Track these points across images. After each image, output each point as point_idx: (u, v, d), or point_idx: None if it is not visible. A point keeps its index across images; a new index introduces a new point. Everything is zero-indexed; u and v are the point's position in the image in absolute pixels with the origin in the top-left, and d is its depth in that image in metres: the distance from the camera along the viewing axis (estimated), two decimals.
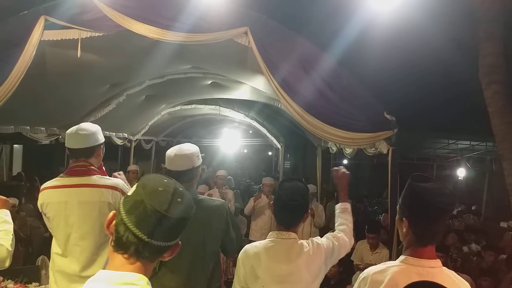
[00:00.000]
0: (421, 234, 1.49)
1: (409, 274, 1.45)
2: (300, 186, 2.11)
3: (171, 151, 2.39)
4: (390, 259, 3.92)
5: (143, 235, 1.03)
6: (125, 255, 1.06)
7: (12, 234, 2.34)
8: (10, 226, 2.38)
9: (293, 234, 2.06)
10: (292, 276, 2.01)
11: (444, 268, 1.52)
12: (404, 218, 1.53)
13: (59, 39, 3.68)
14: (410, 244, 1.52)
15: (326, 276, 5.00)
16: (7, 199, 2.49)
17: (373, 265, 4.94)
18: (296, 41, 3.46)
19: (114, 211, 1.10)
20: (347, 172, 2.40)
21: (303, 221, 2.12)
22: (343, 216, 2.32)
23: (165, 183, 1.10)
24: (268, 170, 15.72)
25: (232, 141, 14.82)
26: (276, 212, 2.11)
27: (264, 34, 3.43)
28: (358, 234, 6.08)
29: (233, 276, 2.20)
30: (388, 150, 3.59)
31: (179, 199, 1.08)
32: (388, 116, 3.39)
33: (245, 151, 20.73)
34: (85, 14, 3.47)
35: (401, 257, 1.53)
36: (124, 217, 1.05)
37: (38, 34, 3.53)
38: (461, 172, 11.07)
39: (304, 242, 2.09)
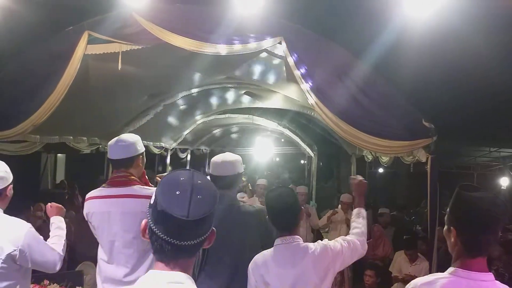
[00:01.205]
0: (470, 244, 1.44)
1: (459, 287, 1.41)
2: (285, 189, 2.23)
3: (217, 158, 2.55)
4: (430, 271, 3.79)
5: (174, 240, 1.08)
6: (165, 259, 1.12)
7: (64, 240, 2.47)
8: (63, 232, 2.51)
9: (296, 237, 2.11)
10: (300, 278, 2.04)
11: (498, 282, 1.45)
12: (452, 228, 1.49)
13: (101, 52, 3.85)
14: (459, 256, 1.48)
15: (364, 287, 4.92)
16: (62, 206, 2.63)
17: (413, 276, 4.83)
18: (330, 49, 3.46)
19: (145, 219, 1.15)
20: (365, 180, 2.45)
21: (300, 220, 2.19)
22: (357, 220, 2.34)
23: (181, 182, 1.11)
24: (301, 179, 15.61)
25: (265, 149, 14.85)
26: (274, 220, 2.16)
27: (298, 43, 3.45)
28: (396, 245, 5.95)
29: None
30: (427, 158, 3.50)
31: (199, 196, 1.09)
32: (426, 124, 3.31)
33: (277, 159, 20.70)
34: (125, 28, 3.61)
35: (450, 269, 1.48)
36: (153, 226, 1.10)
37: (82, 49, 3.70)
38: (504, 181, 10.58)
39: (309, 244, 2.13)
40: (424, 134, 3.33)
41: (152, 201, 1.12)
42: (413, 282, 1.52)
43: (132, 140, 2.55)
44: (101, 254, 2.52)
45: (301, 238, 2.13)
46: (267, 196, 2.22)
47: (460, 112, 3.64)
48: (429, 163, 3.50)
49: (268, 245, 2.50)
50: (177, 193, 1.09)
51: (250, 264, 2.15)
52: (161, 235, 1.08)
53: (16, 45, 3.98)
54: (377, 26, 3.03)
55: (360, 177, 2.48)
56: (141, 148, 2.60)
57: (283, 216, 2.13)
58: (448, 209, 1.53)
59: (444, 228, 1.55)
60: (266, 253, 2.14)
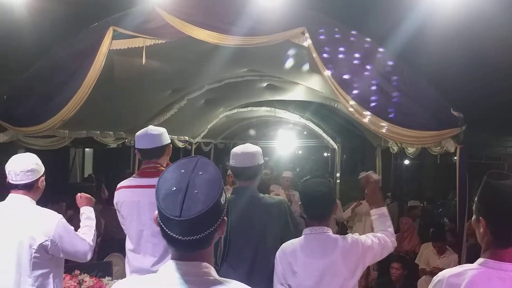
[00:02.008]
0: (500, 234, 1.40)
1: (490, 278, 1.36)
2: (322, 179, 2.19)
3: (237, 149, 2.55)
4: (459, 264, 3.71)
5: (177, 236, 1.05)
6: (178, 249, 1.11)
7: (94, 230, 2.54)
8: (93, 222, 2.58)
9: (326, 228, 2.09)
10: (329, 270, 2.02)
11: None
12: (481, 218, 1.45)
13: (126, 47, 3.90)
14: (489, 246, 1.43)
15: (390, 279, 4.86)
16: (91, 197, 2.70)
17: (441, 269, 4.73)
18: (354, 37, 3.39)
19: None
20: (376, 177, 2.36)
21: (333, 213, 2.15)
22: (381, 221, 2.28)
23: (180, 176, 1.07)
24: (324, 172, 15.51)
25: (287, 142, 14.80)
26: (305, 209, 2.15)
27: (321, 33, 3.40)
28: (423, 237, 5.84)
29: None
30: (456, 148, 3.40)
31: (195, 191, 1.05)
32: (455, 113, 3.21)
33: (300, 152, 20.61)
34: (149, 23, 3.65)
35: (480, 260, 1.44)
36: (159, 219, 1.09)
37: (107, 44, 3.76)
38: None
39: (339, 236, 2.10)
40: (452, 123, 3.23)
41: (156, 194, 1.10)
42: (441, 273, 1.49)
43: (162, 130, 2.64)
44: (129, 244, 2.57)
45: (330, 229, 2.10)
46: (302, 184, 2.22)
47: (490, 100, 3.52)
48: (458, 154, 3.41)
49: (288, 236, 2.50)
50: (173, 189, 1.06)
51: (278, 252, 2.14)
52: (164, 229, 1.07)
53: (44, 42, 4.09)
54: (402, 12, 2.95)
55: (372, 174, 2.37)
56: (169, 139, 2.69)
57: (315, 205, 2.11)
58: (476, 198, 1.49)
59: (473, 218, 1.51)
60: (295, 241, 2.13)
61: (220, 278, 1.11)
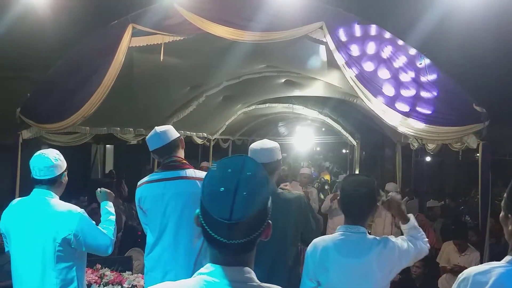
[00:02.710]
0: None
1: None
2: (364, 178, 2.11)
3: (255, 145, 2.53)
4: (482, 262, 3.63)
5: (221, 239, 1.01)
6: (219, 252, 1.06)
7: (114, 225, 2.58)
8: (113, 217, 2.62)
9: (362, 228, 2.04)
10: (362, 270, 1.98)
11: None
12: (510, 215, 1.41)
13: (145, 44, 3.94)
14: None
15: (411, 277, 4.79)
16: (111, 192, 2.75)
17: (462, 267, 4.63)
18: (373, 32, 3.35)
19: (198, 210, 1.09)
20: (398, 198, 2.29)
21: (372, 214, 2.09)
22: (413, 233, 2.20)
23: (228, 176, 1.02)
24: (343, 168, 15.38)
25: (305, 139, 14.75)
26: (343, 206, 2.10)
27: (340, 27, 3.36)
28: (444, 235, 5.73)
29: None
30: (478, 145, 3.33)
31: (244, 193, 1.00)
32: (477, 108, 3.13)
33: (318, 149, 20.50)
34: (167, 19, 3.68)
35: (507, 257, 1.39)
36: (202, 220, 1.04)
37: (126, 42, 3.81)
38: None
39: (376, 237, 2.05)
40: (475, 119, 3.16)
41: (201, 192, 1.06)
42: (466, 271, 1.45)
43: (168, 127, 2.70)
44: (151, 238, 2.60)
45: (366, 230, 2.06)
46: (344, 180, 2.17)
47: None
48: (481, 150, 3.33)
49: (309, 232, 2.48)
50: (221, 189, 1.00)
51: (309, 247, 2.11)
52: (208, 231, 1.02)
53: (66, 40, 4.17)
54: (424, 4, 2.88)
55: (393, 196, 2.30)
56: (177, 133, 2.71)
57: (356, 204, 2.05)
58: (505, 195, 1.44)
59: (501, 215, 1.46)
60: (328, 238, 2.09)
61: (263, 284, 1.07)
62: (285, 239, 2.38)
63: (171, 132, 2.65)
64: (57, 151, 2.52)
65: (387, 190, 6.08)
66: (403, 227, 2.25)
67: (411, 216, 2.26)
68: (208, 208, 1.00)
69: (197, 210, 1.07)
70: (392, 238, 2.10)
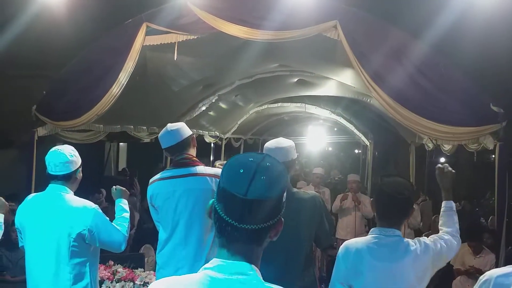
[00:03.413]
0: None
1: None
2: (403, 180, 2.06)
3: (270, 144, 2.49)
4: (497, 265, 3.57)
5: (233, 221, 1.02)
6: (228, 243, 1.06)
7: (128, 222, 2.60)
8: (127, 214, 2.65)
9: (397, 231, 1.98)
10: (397, 275, 1.93)
11: None
12: None
13: (159, 43, 3.96)
14: None
15: None
16: (126, 190, 2.78)
17: (477, 269, 4.53)
18: (387, 30, 3.30)
19: (212, 200, 1.12)
20: (452, 170, 2.25)
21: (408, 217, 2.05)
22: (449, 214, 2.18)
23: (248, 162, 1.05)
24: (355, 169, 15.28)
25: (317, 138, 14.68)
26: (379, 208, 2.04)
27: (354, 26, 3.33)
28: (461, 237, 5.64)
29: (326, 273, 2.18)
30: (495, 145, 3.26)
31: (262, 177, 1.02)
32: (495, 108, 3.07)
33: (330, 149, 20.39)
34: (181, 18, 3.69)
35: None
36: (216, 205, 1.06)
37: (140, 40, 3.83)
38: None
39: (410, 240, 2.00)
40: (492, 119, 3.10)
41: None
42: (488, 273, 1.42)
43: (180, 124, 2.68)
44: (163, 235, 2.61)
45: (401, 233, 2.01)
46: (382, 180, 2.12)
47: None
48: (497, 151, 3.27)
49: (323, 232, 2.46)
50: (240, 171, 1.04)
51: (340, 249, 2.06)
52: (221, 214, 1.04)
53: (80, 38, 4.21)
54: (438, 2, 2.82)
55: (448, 167, 2.27)
56: (189, 130, 2.71)
57: (393, 207, 1.99)
58: None
59: None
60: (361, 240, 2.04)
61: (268, 283, 1.07)
62: (298, 238, 2.35)
63: (183, 130, 2.64)
64: (72, 147, 2.55)
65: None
66: (443, 204, 2.22)
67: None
68: (225, 185, 1.03)
69: (210, 201, 1.10)
70: (426, 240, 2.04)
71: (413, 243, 1.98)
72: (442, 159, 9.63)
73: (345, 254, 2.02)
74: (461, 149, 5.43)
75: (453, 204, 2.23)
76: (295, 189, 2.53)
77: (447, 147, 5.58)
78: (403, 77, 3.20)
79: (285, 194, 1.09)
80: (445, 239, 2.07)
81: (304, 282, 2.37)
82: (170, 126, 2.65)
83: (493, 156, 3.39)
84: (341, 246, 2.07)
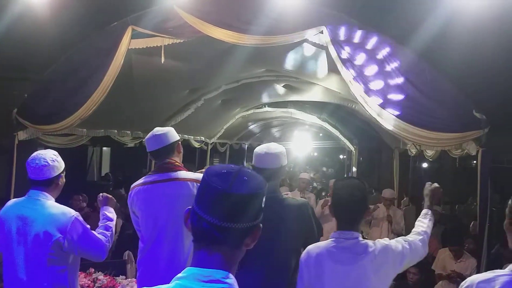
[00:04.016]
0: None
1: None
2: (355, 182, 2.08)
3: (261, 149, 2.44)
4: (479, 269, 3.61)
5: (214, 219, 1.02)
6: (205, 247, 1.05)
7: (112, 230, 2.54)
8: (111, 223, 2.58)
9: (355, 234, 2.00)
10: (357, 277, 1.94)
11: None
12: None
13: (144, 47, 3.92)
14: None
15: (407, 284, 4.74)
16: (112, 197, 2.71)
17: (458, 274, 4.53)
18: (374, 37, 3.34)
19: (189, 206, 1.11)
20: (439, 187, 2.37)
21: (364, 218, 2.06)
22: (423, 221, 2.23)
23: (229, 167, 1.10)
24: (340, 174, 15.39)
25: (303, 143, 14.75)
26: (336, 211, 2.06)
27: (341, 32, 3.35)
28: (443, 242, 5.70)
29: None
30: (478, 151, 3.32)
31: (244, 178, 1.06)
32: (477, 115, 3.12)
33: (315, 154, 20.51)
34: (168, 22, 3.66)
35: None
36: (195, 207, 1.06)
37: (126, 43, 3.79)
38: None
39: (369, 242, 2.01)
40: (475, 125, 3.15)
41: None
42: (470, 278, 1.42)
43: (167, 129, 2.64)
44: (141, 243, 2.56)
45: (360, 235, 2.02)
46: (335, 184, 2.12)
47: None
48: (480, 157, 3.32)
49: (311, 240, 2.44)
50: (223, 171, 1.07)
51: (303, 255, 2.06)
52: (200, 214, 1.04)
53: (64, 41, 4.14)
54: (424, 9, 2.86)
55: (436, 184, 2.40)
56: (177, 136, 2.66)
57: (347, 209, 2.01)
58: (510, 201, 1.41)
59: (506, 222, 1.43)
60: (322, 245, 2.04)
61: None
62: (286, 244, 2.33)
63: (169, 135, 2.60)
64: (55, 152, 2.48)
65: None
66: (424, 211, 2.30)
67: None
68: (210, 181, 1.04)
69: (187, 209, 1.10)
70: (386, 240, 2.06)
71: (372, 244, 2.00)
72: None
73: (307, 259, 2.04)
74: (444, 155, 5.51)
75: (431, 212, 2.27)
76: (284, 195, 2.50)
77: (430, 152, 5.66)
78: (389, 83, 3.23)
79: (264, 200, 1.11)
80: (409, 241, 2.09)
81: None
82: (157, 130, 2.60)
83: (475, 161, 3.44)
84: (303, 252, 2.08)
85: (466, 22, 2.80)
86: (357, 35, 3.34)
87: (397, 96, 3.25)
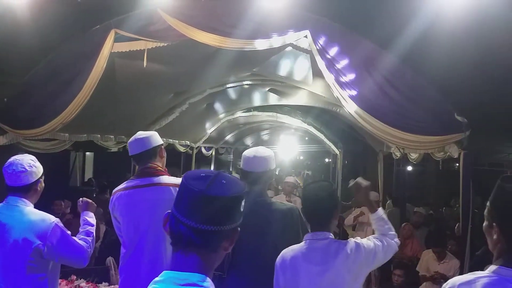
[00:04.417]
0: None
1: (503, 287, 1.32)
2: (323, 183, 2.14)
3: (249, 153, 2.43)
4: (462, 270, 3.65)
5: (191, 222, 1.02)
6: (183, 250, 1.05)
7: (93, 236, 2.49)
8: (92, 228, 2.53)
9: (327, 234, 2.03)
10: (331, 276, 1.97)
11: None
12: (494, 224, 1.40)
13: (128, 50, 3.88)
14: (502, 253, 1.36)
15: (392, 286, 4.77)
16: (93, 202, 2.66)
17: (442, 275, 4.59)
18: (357, 42, 3.37)
19: (168, 210, 1.11)
20: (366, 183, 2.26)
21: (335, 218, 2.09)
22: (380, 224, 2.20)
23: (208, 171, 1.11)
24: (325, 177, 15.47)
25: (289, 147, 14.78)
26: (306, 213, 2.10)
27: (325, 37, 3.38)
28: (427, 244, 5.76)
29: None
30: (460, 154, 3.37)
31: (223, 181, 1.07)
32: (459, 118, 3.18)
33: (301, 157, 20.58)
34: (151, 25, 3.63)
35: (492, 267, 1.37)
36: (174, 210, 1.06)
37: (109, 47, 3.75)
38: None
39: (341, 241, 2.06)
40: (456, 128, 3.20)
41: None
42: (451, 281, 1.43)
43: (150, 133, 2.63)
44: (123, 248, 2.52)
45: (332, 235, 2.06)
46: (304, 188, 2.18)
47: (495, 105, 3.47)
48: (462, 159, 3.38)
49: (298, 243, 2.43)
50: (202, 175, 1.08)
51: (277, 259, 2.08)
52: (178, 217, 1.04)
53: (45, 45, 4.06)
54: (406, 14, 2.91)
55: (360, 180, 2.27)
56: (160, 140, 2.64)
57: (315, 210, 2.05)
58: (488, 203, 1.43)
59: (484, 224, 1.45)
60: (296, 248, 2.07)
61: None
62: (274, 249, 2.31)
63: (152, 139, 2.57)
64: (32, 157, 2.42)
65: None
66: (371, 216, 2.24)
67: (380, 208, 2.26)
68: (188, 184, 1.04)
69: (166, 213, 1.11)
70: (358, 239, 2.10)
71: (344, 243, 2.04)
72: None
73: (282, 263, 2.06)
74: (427, 158, 5.57)
75: (381, 213, 2.22)
76: (272, 200, 2.49)
77: (414, 155, 5.73)
78: (372, 87, 3.27)
79: (243, 203, 1.11)
80: (381, 238, 2.13)
81: None
82: (140, 133, 2.58)
83: (458, 164, 3.50)
84: (278, 256, 2.10)
85: (446, 26, 2.86)
86: (340, 39, 3.37)
87: (380, 100, 3.28)
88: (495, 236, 1.38)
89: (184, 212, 1.04)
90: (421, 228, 6.54)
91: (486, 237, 1.45)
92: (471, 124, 3.18)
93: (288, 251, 2.07)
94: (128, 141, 2.63)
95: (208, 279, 1.05)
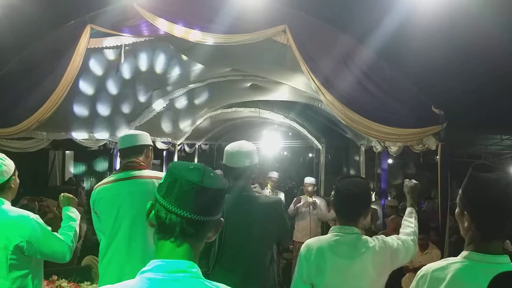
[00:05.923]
0: (486, 228, 1.36)
1: (474, 271, 1.33)
2: (359, 179, 2.14)
3: (232, 148, 2.38)
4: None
5: (185, 212, 1.04)
6: (172, 239, 1.06)
7: (75, 231, 2.46)
8: (73, 223, 2.51)
9: (355, 229, 2.03)
10: (358, 271, 1.97)
11: None
12: (465, 212, 1.42)
13: (104, 46, 3.81)
14: (473, 239, 1.39)
15: None
16: (74, 197, 2.63)
17: (424, 265, 4.68)
18: (335, 36, 3.38)
19: (151, 201, 1.12)
20: (417, 183, 2.45)
21: (365, 215, 2.10)
22: (410, 220, 2.30)
23: (193, 164, 1.14)
24: (309, 172, 15.56)
25: (272, 143, 14.78)
26: (337, 207, 2.10)
27: (303, 31, 3.38)
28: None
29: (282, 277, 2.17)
30: (437, 146, 3.42)
31: (211, 174, 1.10)
32: (436, 110, 3.23)
33: (285, 153, 20.64)
34: (127, 20, 3.58)
35: (464, 253, 1.40)
36: (162, 201, 1.07)
37: (84, 43, 3.68)
38: None
39: (368, 238, 2.06)
40: (433, 121, 3.25)
41: (162, 180, 1.11)
42: (424, 268, 1.46)
43: (142, 132, 2.66)
44: (104, 242, 2.49)
45: (360, 230, 2.05)
46: (338, 182, 2.13)
47: (471, 97, 3.54)
48: (439, 151, 3.42)
49: (285, 235, 2.44)
50: (190, 167, 1.10)
51: (302, 248, 2.06)
52: (171, 208, 1.05)
53: (19, 41, 3.97)
54: (383, 10, 2.94)
55: (414, 181, 2.46)
56: (150, 141, 2.67)
57: (350, 205, 2.05)
58: (460, 191, 1.45)
59: (456, 211, 1.47)
60: (322, 239, 2.06)
61: (207, 281, 1.06)
62: (261, 243, 2.31)
63: (142, 137, 2.61)
64: (2, 155, 2.36)
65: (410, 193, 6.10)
66: (408, 210, 2.36)
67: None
68: (181, 176, 1.06)
69: (149, 204, 1.11)
70: (384, 237, 2.11)
71: (372, 240, 2.05)
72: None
73: (307, 252, 2.04)
74: (407, 151, 5.64)
75: (413, 210, 2.35)
76: (256, 194, 2.48)
77: (393, 148, 5.79)
78: (350, 81, 3.28)
79: (223, 199, 1.15)
80: (402, 239, 2.16)
81: (267, 282, 2.33)
82: (132, 130, 2.63)
83: (438, 157, 3.55)
84: (303, 245, 2.09)
85: (422, 21, 2.90)
86: (319, 34, 3.38)
87: (358, 94, 3.31)
88: (466, 223, 1.41)
89: (176, 203, 1.05)
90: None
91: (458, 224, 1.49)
92: (447, 116, 3.23)
93: (314, 241, 2.06)
94: (120, 136, 2.66)
95: (196, 266, 1.07)
